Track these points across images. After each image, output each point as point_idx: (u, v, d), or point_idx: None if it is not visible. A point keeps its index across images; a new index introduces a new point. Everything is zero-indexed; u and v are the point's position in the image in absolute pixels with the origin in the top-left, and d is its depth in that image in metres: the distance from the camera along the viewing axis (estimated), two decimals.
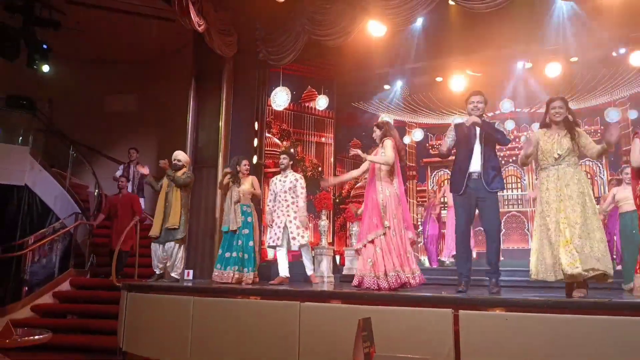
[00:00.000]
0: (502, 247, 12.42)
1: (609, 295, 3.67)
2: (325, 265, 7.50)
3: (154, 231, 5.82)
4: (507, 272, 7.08)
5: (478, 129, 4.31)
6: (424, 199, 12.46)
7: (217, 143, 7.32)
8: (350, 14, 7.04)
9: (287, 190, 5.87)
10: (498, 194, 4.43)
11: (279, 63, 7.93)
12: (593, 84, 10.57)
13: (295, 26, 7.43)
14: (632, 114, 10.30)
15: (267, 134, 9.02)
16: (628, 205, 5.52)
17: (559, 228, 3.65)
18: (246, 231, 5.72)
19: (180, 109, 7.88)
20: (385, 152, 4.57)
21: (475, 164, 4.25)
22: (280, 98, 8.77)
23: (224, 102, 7.40)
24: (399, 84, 10.48)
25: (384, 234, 4.37)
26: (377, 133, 4.82)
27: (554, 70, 9.17)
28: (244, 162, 5.97)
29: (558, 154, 3.81)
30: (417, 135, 12.31)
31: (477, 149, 4.28)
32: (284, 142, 9.69)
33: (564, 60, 9.10)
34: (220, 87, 7.48)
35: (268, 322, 4.14)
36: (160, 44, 9.67)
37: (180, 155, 6.07)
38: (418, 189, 13.44)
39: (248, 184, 5.90)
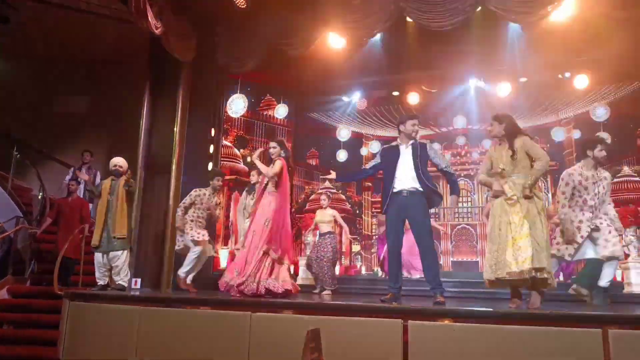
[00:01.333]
0: (452, 258, 12.88)
1: (551, 307, 3.83)
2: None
3: (95, 240, 5.60)
4: (456, 283, 7.28)
5: (411, 150, 4.37)
6: (378, 210, 12.66)
7: (171, 149, 7.15)
8: (311, 25, 7.10)
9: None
10: (445, 208, 4.60)
11: (240, 70, 7.87)
12: (540, 105, 11.12)
13: (257, 33, 7.41)
14: (576, 134, 10.88)
15: (225, 142, 8.91)
16: None
17: (509, 229, 3.80)
18: None
19: (134, 112, 7.64)
20: (274, 167, 5.05)
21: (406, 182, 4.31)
22: (237, 105, 8.71)
23: (179, 107, 7.25)
24: (357, 97, 10.64)
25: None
26: (276, 149, 5.16)
27: (504, 89, 9.57)
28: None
29: (501, 167, 3.97)
30: (374, 147, 12.51)
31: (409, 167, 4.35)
32: (241, 150, 9.61)
33: (514, 80, 9.52)
34: (177, 91, 7.32)
35: (218, 332, 4.05)
36: (116, 45, 9.37)
37: (120, 162, 5.86)
38: (373, 200, 13.64)
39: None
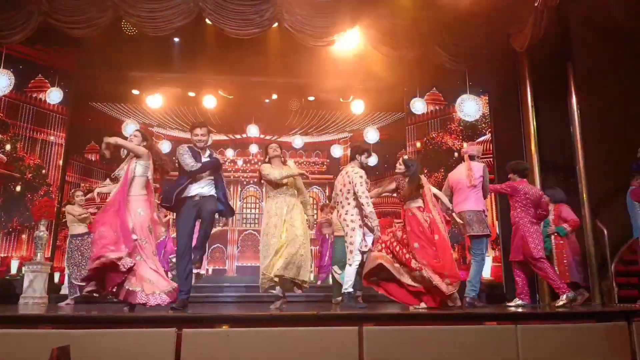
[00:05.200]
0: (237, 263, 13.09)
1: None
2: (40, 284, 6.59)
3: None
4: (239, 287, 7.42)
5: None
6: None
7: None
8: (100, 5, 6.42)
9: None
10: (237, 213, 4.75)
11: (4, 41, 6.64)
12: (324, 123, 12.21)
13: (28, 2, 6.35)
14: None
15: None
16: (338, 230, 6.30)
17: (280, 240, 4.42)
18: None
19: None
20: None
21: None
22: None
23: None
24: (150, 92, 9.98)
25: None
26: (138, 138, 4.50)
27: (294, 104, 10.21)
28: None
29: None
30: (165, 147, 11.95)
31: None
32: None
33: (304, 97, 10.23)
34: None
35: None
36: None
37: None
38: (159, 202, 13.06)
39: None
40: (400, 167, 4.77)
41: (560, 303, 4.78)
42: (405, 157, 4.99)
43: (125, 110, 10.95)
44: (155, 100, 9.92)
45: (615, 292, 5.69)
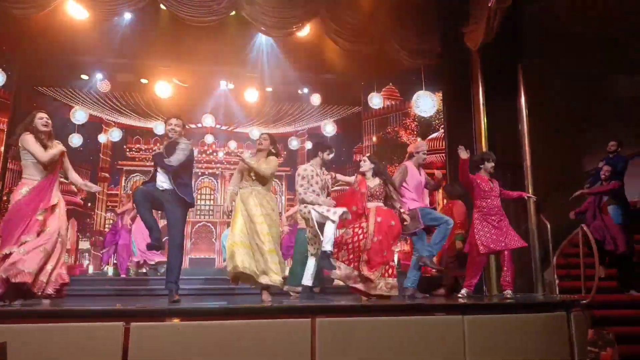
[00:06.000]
0: (190, 256, 12.86)
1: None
2: None
3: None
4: (194, 280, 7.26)
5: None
6: (115, 204, 11.73)
7: None
8: None
9: None
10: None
11: None
12: (283, 115, 12.15)
13: None
14: (308, 144, 12.26)
15: None
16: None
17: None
18: None
19: None
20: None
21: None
22: None
23: None
24: (98, 77, 9.60)
25: None
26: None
27: (251, 95, 10.08)
28: None
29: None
30: (115, 135, 11.57)
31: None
32: None
33: (261, 88, 10.12)
34: None
35: None
36: None
37: None
38: (109, 192, 12.57)
39: None
40: (365, 165, 4.85)
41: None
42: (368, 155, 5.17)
43: (74, 96, 10.50)
44: (105, 86, 9.55)
45: (556, 284, 5.97)
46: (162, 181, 4.29)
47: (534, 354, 3.89)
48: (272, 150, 4.86)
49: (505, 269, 4.95)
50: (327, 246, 4.52)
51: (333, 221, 4.56)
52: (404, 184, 5.17)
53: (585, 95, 7.60)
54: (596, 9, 6.90)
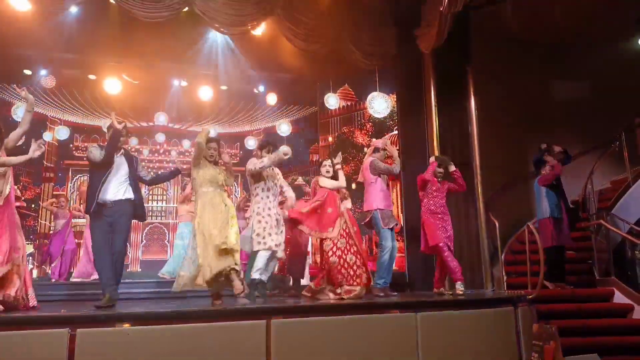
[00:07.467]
0: (141, 257, 12.49)
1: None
2: None
3: None
4: (146, 284, 7.03)
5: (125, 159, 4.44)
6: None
7: None
8: None
9: None
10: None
11: None
12: (238, 113, 12.00)
13: None
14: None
15: None
16: None
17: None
18: None
19: None
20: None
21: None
22: None
23: None
24: (42, 73, 9.14)
25: None
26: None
27: (206, 93, 9.89)
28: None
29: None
30: (62, 133, 11.09)
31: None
32: None
33: (215, 86, 9.95)
34: None
35: None
36: None
37: None
38: (55, 193, 12.00)
39: None
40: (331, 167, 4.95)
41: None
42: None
43: (15, 93, 9.97)
44: (50, 82, 9.12)
45: (504, 280, 6.19)
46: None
47: (484, 347, 4.03)
48: None
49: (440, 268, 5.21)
50: (256, 274, 4.55)
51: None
52: (379, 180, 5.24)
53: (530, 98, 7.94)
54: (539, 16, 7.23)
